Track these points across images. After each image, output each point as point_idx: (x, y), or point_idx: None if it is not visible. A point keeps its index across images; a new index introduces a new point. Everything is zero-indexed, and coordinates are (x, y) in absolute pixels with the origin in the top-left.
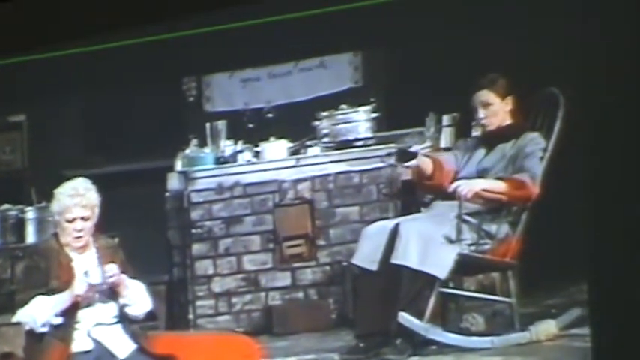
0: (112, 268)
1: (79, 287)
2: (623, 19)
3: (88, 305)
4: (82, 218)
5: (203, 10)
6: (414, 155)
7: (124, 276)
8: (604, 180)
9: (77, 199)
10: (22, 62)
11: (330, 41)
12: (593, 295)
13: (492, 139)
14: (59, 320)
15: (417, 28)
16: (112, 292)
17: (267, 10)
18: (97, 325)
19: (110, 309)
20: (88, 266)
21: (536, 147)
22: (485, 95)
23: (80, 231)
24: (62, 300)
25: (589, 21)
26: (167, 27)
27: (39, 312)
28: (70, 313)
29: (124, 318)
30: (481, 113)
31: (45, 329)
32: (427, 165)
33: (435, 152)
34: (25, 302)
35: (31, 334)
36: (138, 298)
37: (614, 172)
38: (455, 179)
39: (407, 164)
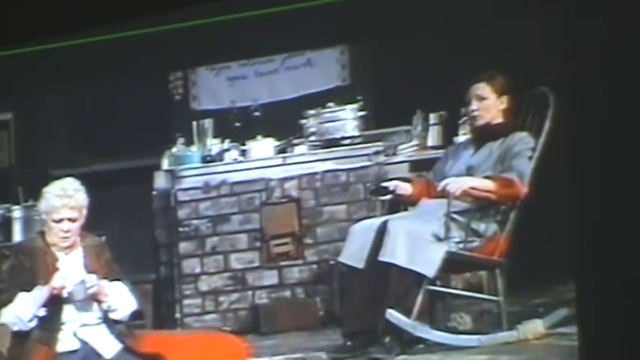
0: (92, 279)
1: (56, 280)
2: (613, 18)
3: (69, 302)
4: (70, 219)
5: (190, 4)
6: (387, 190)
7: (104, 283)
8: (592, 179)
9: (65, 199)
10: (7, 58)
11: (317, 36)
12: (581, 294)
13: (481, 137)
14: (43, 313)
15: (404, 25)
16: (93, 301)
17: (255, 3)
18: (83, 326)
19: (93, 316)
20: (69, 283)
21: (524, 146)
22: (482, 89)
23: (67, 232)
24: (41, 294)
25: (579, 20)
26: (153, 22)
27: (22, 309)
28: (52, 308)
29: (107, 319)
30: (474, 105)
31: (32, 324)
32: (406, 189)
33: (422, 152)
34: (9, 301)
35: (17, 335)
36: (120, 302)
37: (602, 172)
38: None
39: (383, 197)
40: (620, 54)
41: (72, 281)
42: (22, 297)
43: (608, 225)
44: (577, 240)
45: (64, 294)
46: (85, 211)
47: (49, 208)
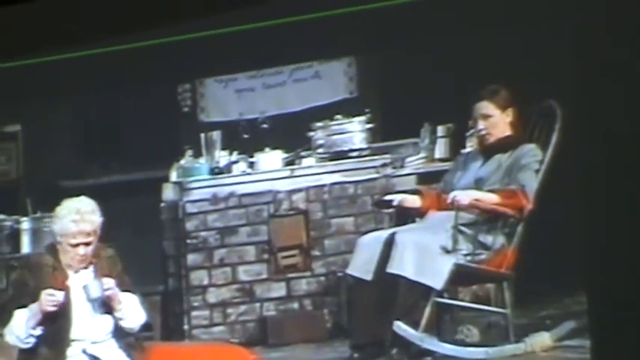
0: (109, 282)
1: (45, 300)
2: (619, 32)
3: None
4: (86, 244)
5: (198, 16)
6: (390, 203)
7: (117, 290)
8: (600, 192)
9: (82, 225)
10: (15, 69)
11: (326, 47)
12: (592, 306)
13: (490, 150)
14: (39, 332)
15: (412, 38)
16: (106, 306)
17: (263, 14)
18: (93, 343)
19: (104, 324)
20: (87, 280)
21: (531, 159)
22: (486, 107)
23: (83, 255)
24: (34, 313)
25: (587, 34)
26: (161, 33)
27: (18, 327)
28: (59, 325)
29: (118, 332)
30: (481, 125)
31: (30, 341)
32: (415, 202)
33: (429, 164)
34: (10, 319)
35: (23, 352)
36: (131, 312)
37: (610, 185)
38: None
39: (386, 210)
40: (626, 67)
41: (92, 290)
42: (18, 315)
43: (617, 237)
44: (587, 253)
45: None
46: (99, 231)
47: (65, 232)
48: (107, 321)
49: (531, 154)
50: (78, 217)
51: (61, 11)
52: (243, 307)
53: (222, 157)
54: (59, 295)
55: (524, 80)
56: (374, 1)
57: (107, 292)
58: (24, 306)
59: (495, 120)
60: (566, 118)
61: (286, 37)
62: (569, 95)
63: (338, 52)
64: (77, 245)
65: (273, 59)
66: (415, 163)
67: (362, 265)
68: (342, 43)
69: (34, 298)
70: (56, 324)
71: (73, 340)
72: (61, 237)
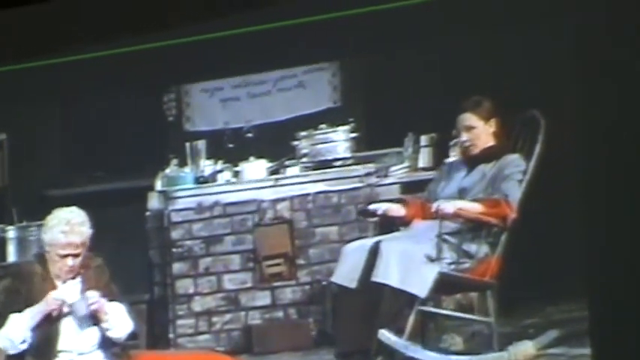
0: (94, 295)
1: (50, 301)
2: (602, 43)
3: (62, 317)
4: (75, 255)
5: (184, 23)
6: (373, 213)
7: (104, 301)
8: (600, 193)
9: (71, 236)
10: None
11: (310, 53)
12: (594, 315)
13: (474, 160)
14: (30, 338)
15: (396, 46)
16: (93, 319)
17: (248, 20)
18: (80, 355)
19: (91, 336)
20: (71, 298)
21: (515, 169)
22: (469, 119)
23: (72, 266)
24: (35, 314)
25: (570, 43)
26: (145, 39)
27: (14, 330)
28: (47, 335)
29: (105, 343)
30: (464, 136)
31: (24, 346)
32: (399, 211)
33: (413, 173)
34: (2, 325)
35: (10, 358)
36: (118, 322)
37: (609, 185)
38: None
39: (371, 219)
40: (610, 77)
41: (72, 298)
42: (14, 318)
43: (618, 239)
44: (587, 256)
45: (65, 309)
46: (88, 242)
47: (54, 242)
48: (94, 332)
49: (514, 164)
50: (67, 228)
51: (43, 18)
52: (228, 316)
53: (207, 166)
54: (66, 297)
55: (510, 89)
56: (358, 7)
57: (92, 307)
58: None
59: (478, 131)
60: (550, 128)
61: (271, 43)
62: (566, 96)
63: (323, 57)
64: (66, 256)
65: (258, 65)
66: (399, 172)
67: (346, 273)
68: (326, 50)
69: (27, 305)
70: (45, 334)
71: (60, 352)
72: (49, 247)
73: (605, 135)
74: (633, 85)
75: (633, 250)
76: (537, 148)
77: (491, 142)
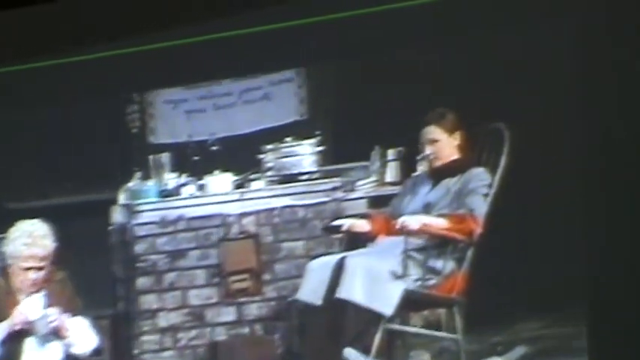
0: (53, 313)
1: (17, 317)
2: (619, 32)
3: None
4: (38, 268)
5: (145, 30)
6: (339, 229)
7: (65, 317)
8: (599, 193)
9: (34, 249)
10: None
11: (273, 61)
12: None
13: (438, 174)
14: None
15: (363, 59)
16: (55, 335)
17: (212, 27)
18: None
19: (54, 352)
20: (34, 315)
21: (479, 183)
22: (432, 132)
23: (34, 280)
24: (1, 330)
25: (534, 55)
26: (104, 47)
27: None
28: (10, 353)
29: (68, 359)
30: (428, 150)
31: None
32: (364, 226)
33: (380, 188)
34: None
35: None
36: (81, 338)
37: (609, 186)
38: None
39: (336, 235)
40: (575, 89)
41: (34, 315)
42: None
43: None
44: (553, 273)
45: (26, 327)
46: (52, 256)
47: (17, 254)
48: (57, 349)
49: (479, 178)
50: (30, 240)
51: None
52: (193, 332)
53: (171, 180)
54: (30, 314)
55: (474, 102)
56: (326, 14)
57: (53, 325)
58: None
59: (442, 144)
60: (515, 140)
61: (234, 51)
62: (517, 117)
63: (288, 65)
64: (28, 269)
65: (221, 73)
66: (366, 186)
67: (311, 290)
68: (291, 57)
69: None
70: (8, 351)
71: None
72: (12, 259)
73: (604, 135)
74: (633, 85)
75: (611, 262)
76: (503, 161)
77: (455, 155)
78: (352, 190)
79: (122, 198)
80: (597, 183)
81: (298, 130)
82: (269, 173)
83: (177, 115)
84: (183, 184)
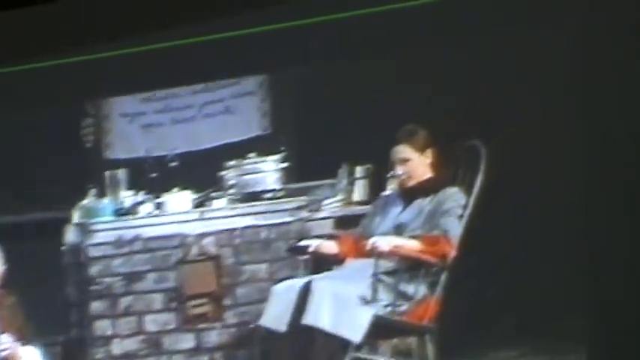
0: (6, 341)
1: None
2: (619, 32)
3: None
4: None
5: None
6: (305, 250)
7: (16, 346)
8: (599, 194)
9: None
10: None
11: (236, 68)
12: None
13: (411, 194)
14: None
15: (328, 72)
16: None
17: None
18: None
19: None
20: None
21: (454, 203)
22: (402, 151)
23: None
24: None
25: (510, 70)
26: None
27: None
28: None
29: None
30: (399, 170)
31: None
32: (331, 248)
33: (348, 207)
34: None
35: None
36: None
37: (609, 186)
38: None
39: (301, 257)
40: (551, 106)
41: None
42: None
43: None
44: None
45: None
46: (1, 279)
47: None
48: None
49: (453, 198)
50: None
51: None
52: None
53: (127, 198)
54: None
55: (446, 118)
56: (292, 20)
57: (4, 353)
58: None
59: (414, 163)
60: (492, 158)
61: (193, 57)
62: (494, 134)
63: (248, 72)
64: None
65: (178, 79)
66: (332, 205)
67: (276, 315)
68: (253, 63)
69: None
70: None
71: None
72: None
73: (604, 135)
74: (633, 85)
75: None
76: (479, 180)
77: (428, 173)
78: (318, 210)
79: (76, 216)
80: (597, 183)
81: (261, 146)
82: (231, 191)
83: (134, 129)
84: (141, 202)
